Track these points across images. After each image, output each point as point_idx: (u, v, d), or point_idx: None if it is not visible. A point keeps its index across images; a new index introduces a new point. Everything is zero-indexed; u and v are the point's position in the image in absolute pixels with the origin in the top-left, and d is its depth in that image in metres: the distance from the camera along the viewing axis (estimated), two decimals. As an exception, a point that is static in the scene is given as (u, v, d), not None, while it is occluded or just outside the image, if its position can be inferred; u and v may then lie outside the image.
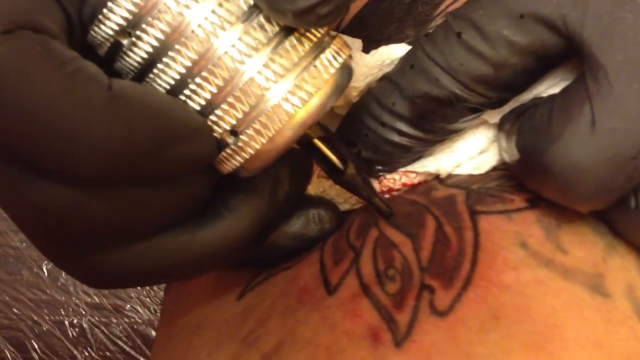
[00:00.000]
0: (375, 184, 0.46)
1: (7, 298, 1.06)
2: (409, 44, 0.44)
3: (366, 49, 0.45)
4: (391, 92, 0.42)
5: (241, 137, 0.36)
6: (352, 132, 0.45)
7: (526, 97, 0.42)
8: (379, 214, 0.44)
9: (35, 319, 1.06)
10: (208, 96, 0.35)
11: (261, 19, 0.34)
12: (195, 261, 0.39)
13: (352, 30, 0.49)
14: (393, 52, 0.44)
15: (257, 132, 0.35)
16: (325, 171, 0.44)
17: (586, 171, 0.35)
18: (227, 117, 0.35)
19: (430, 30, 0.43)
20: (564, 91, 0.37)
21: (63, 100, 0.30)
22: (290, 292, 0.44)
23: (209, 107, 0.35)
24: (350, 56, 0.38)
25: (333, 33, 0.38)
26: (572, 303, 0.37)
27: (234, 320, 0.47)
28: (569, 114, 0.36)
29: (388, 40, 0.50)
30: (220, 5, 0.34)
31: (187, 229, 0.38)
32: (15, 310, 1.06)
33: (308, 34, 0.36)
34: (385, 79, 0.43)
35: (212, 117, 0.35)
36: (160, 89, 0.35)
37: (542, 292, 0.38)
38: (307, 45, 0.36)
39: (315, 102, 0.36)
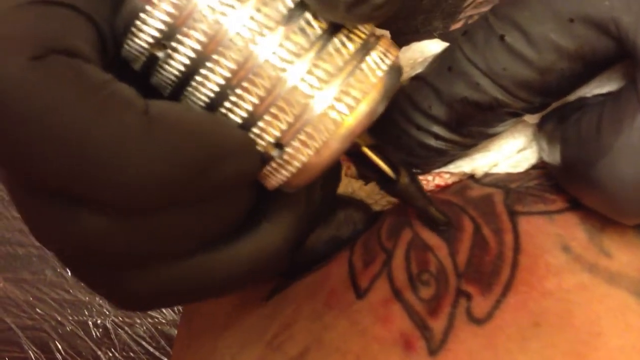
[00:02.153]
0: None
1: (31, 298, 1.06)
2: (439, 36, 0.43)
3: (396, 42, 0.43)
4: (427, 94, 0.40)
5: (286, 149, 0.33)
6: (384, 133, 0.42)
7: (570, 97, 0.40)
8: (435, 225, 0.41)
9: (59, 319, 1.06)
10: (250, 107, 0.33)
11: (302, 22, 0.32)
12: (239, 275, 0.37)
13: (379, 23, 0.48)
14: (426, 49, 0.42)
15: (303, 143, 0.33)
16: (376, 182, 0.42)
17: (636, 188, 0.34)
18: (270, 129, 0.33)
19: (460, 20, 0.41)
20: (613, 99, 0.35)
21: (98, 129, 0.29)
22: (318, 295, 0.43)
23: (251, 119, 0.33)
24: (398, 57, 0.36)
25: (378, 33, 0.36)
26: (616, 310, 0.36)
27: (260, 323, 0.46)
28: (619, 125, 0.34)
29: (416, 33, 0.48)
30: (259, 10, 0.32)
31: (227, 244, 0.37)
32: (38, 311, 1.06)
33: (352, 35, 0.34)
34: (420, 79, 0.41)
35: (255, 130, 0.33)
36: (200, 102, 0.33)
37: (585, 299, 0.36)
38: (352, 47, 0.34)
39: (363, 108, 0.33)
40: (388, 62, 0.35)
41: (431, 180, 0.44)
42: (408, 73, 0.43)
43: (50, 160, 0.29)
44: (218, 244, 0.36)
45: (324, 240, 0.45)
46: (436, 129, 0.40)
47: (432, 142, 0.41)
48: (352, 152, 0.39)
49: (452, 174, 0.44)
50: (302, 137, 0.33)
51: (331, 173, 0.43)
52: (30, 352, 1.04)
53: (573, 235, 0.38)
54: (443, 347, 0.36)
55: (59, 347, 1.04)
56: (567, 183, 0.39)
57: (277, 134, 0.33)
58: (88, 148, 0.29)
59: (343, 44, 0.33)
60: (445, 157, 0.42)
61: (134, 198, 0.30)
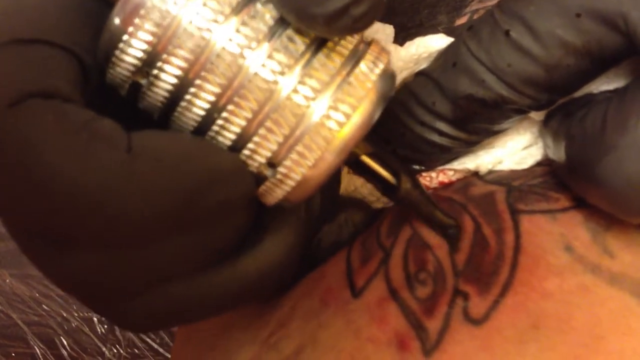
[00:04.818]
0: (410, 182, 0.43)
1: (37, 294, 1.06)
2: (443, 30, 0.42)
3: (398, 37, 0.42)
4: (431, 90, 0.39)
5: (279, 168, 0.33)
6: (388, 130, 0.42)
7: (576, 93, 0.39)
8: (443, 232, 0.40)
9: (65, 315, 1.05)
10: (238, 129, 0.32)
11: (284, 39, 0.32)
12: (241, 293, 0.36)
13: (382, 18, 0.47)
14: (430, 44, 0.41)
15: (296, 161, 0.32)
16: (378, 189, 0.41)
17: None
18: (261, 150, 0.32)
19: (465, 14, 0.40)
20: (619, 96, 0.35)
21: (82, 171, 0.29)
22: (314, 293, 0.42)
23: (241, 141, 0.32)
24: (389, 61, 0.35)
25: (368, 39, 0.35)
26: (618, 312, 0.35)
27: (257, 322, 0.46)
28: (625, 123, 0.33)
29: (420, 27, 0.47)
30: (238, 31, 0.31)
31: (228, 262, 0.36)
32: (44, 307, 1.06)
33: (339, 46, 0.33)
34: (424, 75, 0.41)
35: (246, 152, 0.33)
36: (188, 126, 0.33)
37: (587, 300, 0.35)
38: (339, 59, 0.33)
39: (355, 120, 0.32)
40: (378, 70, 0.34)
41: (435, 177, 0.43)
42: (412, 69, 0.42)
43: (37, 207, 0.29)
44: (219, 263, 0.35)
45: (326, 245, 0.44)
46: (440, 125, 0.40)
47: (436, 138, 0.40)
48: (351, 161, 0.38)
49: (456, 170, 0.43)
50: (295, 154, 0.32)
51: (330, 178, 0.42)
52: (36, 347, 1.04)
53: (576, 234, 0.37)
54: (438, 348, 0.35)
55: (65, 342, 1.05)
56: (571, 181, 0.38)
57: (269, 153, 0.32)
58: (72, 192, 0.29)
59: (329, 57, 0.32)
60: (449, 154, 0.42)
61: (124, 235, 0.30)
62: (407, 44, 0.42)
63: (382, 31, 0.41)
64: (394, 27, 0.42)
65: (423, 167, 0.43)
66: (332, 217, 0.44)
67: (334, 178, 0.42)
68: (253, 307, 0.47)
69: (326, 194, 0.40)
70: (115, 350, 1.04)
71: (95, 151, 0.29)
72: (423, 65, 0.41)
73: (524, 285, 0.36)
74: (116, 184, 0.29)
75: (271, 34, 0.32)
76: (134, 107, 0.34)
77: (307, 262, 0.44)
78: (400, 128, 0.41)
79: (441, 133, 0.40)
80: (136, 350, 1.03)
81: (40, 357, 1.04)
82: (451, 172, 0.43)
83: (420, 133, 0.40)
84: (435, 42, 0.41)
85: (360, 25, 0.31)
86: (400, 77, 0.42)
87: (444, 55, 0.40)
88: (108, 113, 0.31)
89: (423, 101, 0.40)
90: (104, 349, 1.04)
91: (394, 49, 0.41)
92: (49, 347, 1.05)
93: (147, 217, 0.30)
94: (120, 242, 0.31)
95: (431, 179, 0.43)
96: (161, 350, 1.03)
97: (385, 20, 0.43)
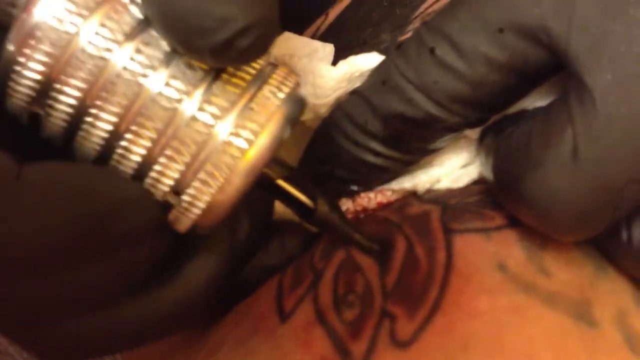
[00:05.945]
0: (349, 204, 0.43)
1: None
2: (385, 49, 0.41)
3: (344, 55, 0.41)
4: (363, 109, 0.39)
5: (183, 196, 0.32)
6: (324, 150, 0.41)
7: (510, 110, 0.39)
8: (362, 251, 0.39)
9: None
10: (139, 158, 0.31)
11: (182, 66, 0.31)
12: (161, 322, 0.36)
13: (331, 35, 0.46)
14: (362, 64, 0.41)
15: (199, 189, 0.32)
16: (295, 213, 0.40)
17: (567, 203, 0.33)
18: (164, 178, 0.32)
19: (404, 37, 0.40)
20: (545, 112, 0.34)
21: None
22: (245, 320, 0.41)
23: (143, 168, 0.32)
24: (298, 84, 0.34)
25: (274, 62, 0.35)
26: (552, 332, 0.34)
27: (194, 348, 0.44)
28: (549, 139, 0.33)
29: (364, 46, 0.47)
30: (133, 59, 0.31)
31: (147, 291, 0.35)
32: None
33: (241, 72, 0.33)
34: (357, 94, 0.40)
35: (149, 180, 0.32)
36: (90, 154, 0.32)
37: (519, 320, 0.34)
38: (241, 84, 0.32)
39: (262, 141, 0.32)
40: (282, 95, 0.33)
41: (373, 198, 0.42)
42: (345, 88, 0.41)
43: None
44: (135, 293, 0.34)
45: (256, 270, 0.43)
46: (374, 145, 0.39)
47: (371, 158, 0.40)
48: (266, 185, 0.37)
49: (394, 191, 0.42)
50: (197, 182, 0.32)
51: (259, 203, 0.41)
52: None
53: (510, 253, 0.36)
54: None
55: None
56: (501, 198, 0.37)
57: (171, 182, 0.32)
58: None
59: (229, 83, 0.32)
60: (387, 174, 0.41)
61: (16, 265, 0.29)
62: (340, 63, 0.41)
63: (321, 50, 0.41)
64: (339, 46, 0.42)
65: (361, 188, 0.42)
66: (265, 242, 0.43)
67: (263, 206, 0.41)
68: (193, 333, 0.46)
69: (255, 219, 0.40)
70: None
71: None
72: (357, 84, 0.41)
73: (453, 305, 0.35)
74: (2, 213, 0.28)
75: (168, 61, 0.31)
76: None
77: (240, 289, 0.43)
78: (336, 148, 0.40)
79: (376, 153, 0.39)
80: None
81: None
82: (389, 192, 0.42)
83: (355, 153, 0.40)
84: (367, 61, 0.41)
85: (247, 55, 0.30)
86: (333, 97, 0.41)
87: (375, 74, 0.40)
88: (12, 143, 0.30)
89: (356, 121, 0.39)
90: None
91: (326, 69, 0.41)
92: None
93: (38, 247, 0.29)
94: (15, 272, 0.30)
95: (369, 199, 0.42)
96: None
97: (334, 39, 0.42)
